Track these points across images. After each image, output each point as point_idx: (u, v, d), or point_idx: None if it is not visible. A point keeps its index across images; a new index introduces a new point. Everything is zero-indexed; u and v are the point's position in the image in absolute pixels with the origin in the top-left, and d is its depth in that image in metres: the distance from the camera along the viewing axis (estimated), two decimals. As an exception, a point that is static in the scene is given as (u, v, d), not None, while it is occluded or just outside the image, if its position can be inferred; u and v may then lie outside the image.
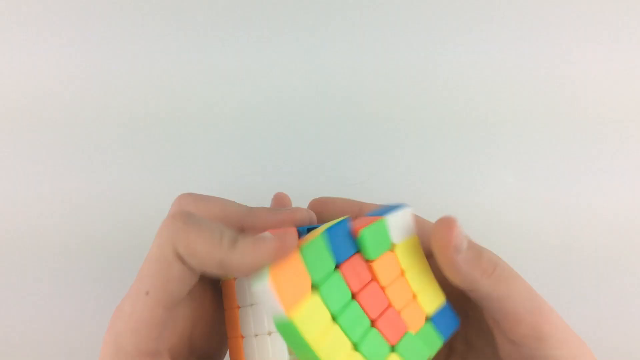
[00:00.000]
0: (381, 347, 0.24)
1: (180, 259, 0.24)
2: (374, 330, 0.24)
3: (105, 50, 0.43)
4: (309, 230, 0.26)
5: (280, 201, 0.32)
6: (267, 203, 0.33)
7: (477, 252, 0.25)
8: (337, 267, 0.23)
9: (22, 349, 0.41)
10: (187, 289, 0.25)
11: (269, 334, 0.25)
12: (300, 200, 0.34)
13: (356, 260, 0.24)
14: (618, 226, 0.42)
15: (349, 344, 0.23)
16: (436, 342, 0.26)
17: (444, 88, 0.43)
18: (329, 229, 0.23)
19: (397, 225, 0.26)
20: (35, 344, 0.41)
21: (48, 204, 0.42)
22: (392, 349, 0.24)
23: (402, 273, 0.25)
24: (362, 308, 0.23)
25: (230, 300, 0.27)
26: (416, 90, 0.43)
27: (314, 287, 0.22)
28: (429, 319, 0.26)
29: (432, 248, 0.25)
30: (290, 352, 0.24)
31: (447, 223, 0.25)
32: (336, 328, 0.22)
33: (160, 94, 0.43)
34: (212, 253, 0.23)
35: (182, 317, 0.27)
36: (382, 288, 0.24)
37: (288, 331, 0.21)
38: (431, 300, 0.26)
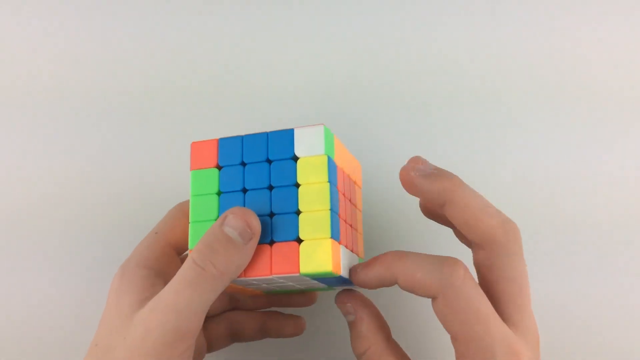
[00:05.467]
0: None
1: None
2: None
3: (101, 28, 0.42)
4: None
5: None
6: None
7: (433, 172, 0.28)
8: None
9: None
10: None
11: None
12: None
13: None
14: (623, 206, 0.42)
15: None
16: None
17: (445, 70, 0.43)
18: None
19: (303, 137, 0.28)
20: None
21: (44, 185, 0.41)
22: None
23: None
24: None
25: None
26: (415, 74, 0.43)
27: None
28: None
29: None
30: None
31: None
32: None
33: (158, 71, 0.43)
34: None
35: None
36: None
37: None
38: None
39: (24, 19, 0.44)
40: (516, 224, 0.28)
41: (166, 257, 0.31)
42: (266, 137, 0.28)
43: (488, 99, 0.43)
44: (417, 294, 0.27)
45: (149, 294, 0.28)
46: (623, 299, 0.40)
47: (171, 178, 0.41)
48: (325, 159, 0.27)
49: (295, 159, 0.27)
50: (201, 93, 0.43)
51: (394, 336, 0.30)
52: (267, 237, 0.27)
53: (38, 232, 0.41)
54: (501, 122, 0.43)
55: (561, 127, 0.43)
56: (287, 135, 0.27)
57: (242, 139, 0.28)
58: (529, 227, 0.40)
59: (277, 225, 0.27)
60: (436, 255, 0.27)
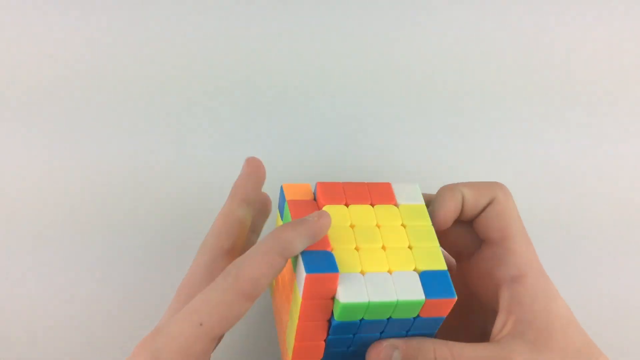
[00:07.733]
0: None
1: (252, 297, 0.26)
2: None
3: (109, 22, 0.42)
4: None
5: (252, 164, 0.33)
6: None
7: None
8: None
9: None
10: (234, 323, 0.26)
11: None
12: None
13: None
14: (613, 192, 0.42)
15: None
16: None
17: (444, 70, 0.43)
18: None
19: (403, 191, 0.31)
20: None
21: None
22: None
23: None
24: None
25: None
26: (407, 66, 0.43)
27: None
28: (418, 273, 0.28)
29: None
30: None
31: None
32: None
33: (160, 72, 0.42)
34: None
35: None
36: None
37: None
38: (426, 259, 0.28)
39: (24, 18, 0.43)
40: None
41: (206, 356, 0.26)
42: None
43: (489, 98, 0.43)
44: (479, 203, 0.31)
45: None
46: (623, 297, 0.41)
47: (171, 177, 0.41)
48: (425, 207, 0.30)
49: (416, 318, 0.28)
50: (201, 93, 0.42)
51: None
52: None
53: (37, 232, 0.40)
54: (503, 121, 0.43)
55: (559, 126, 0.43)
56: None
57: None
58: (531, 226, 0.40)
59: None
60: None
